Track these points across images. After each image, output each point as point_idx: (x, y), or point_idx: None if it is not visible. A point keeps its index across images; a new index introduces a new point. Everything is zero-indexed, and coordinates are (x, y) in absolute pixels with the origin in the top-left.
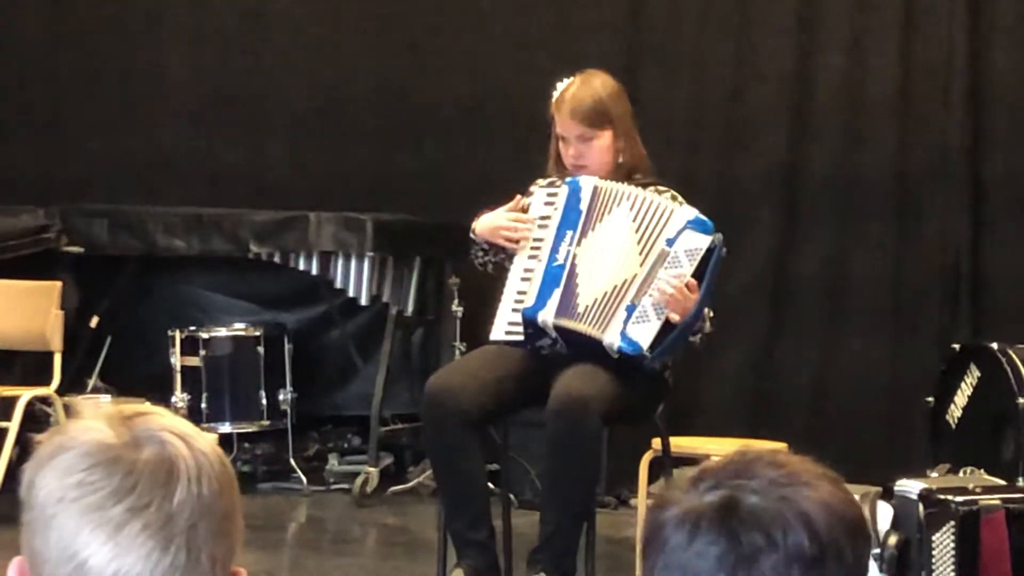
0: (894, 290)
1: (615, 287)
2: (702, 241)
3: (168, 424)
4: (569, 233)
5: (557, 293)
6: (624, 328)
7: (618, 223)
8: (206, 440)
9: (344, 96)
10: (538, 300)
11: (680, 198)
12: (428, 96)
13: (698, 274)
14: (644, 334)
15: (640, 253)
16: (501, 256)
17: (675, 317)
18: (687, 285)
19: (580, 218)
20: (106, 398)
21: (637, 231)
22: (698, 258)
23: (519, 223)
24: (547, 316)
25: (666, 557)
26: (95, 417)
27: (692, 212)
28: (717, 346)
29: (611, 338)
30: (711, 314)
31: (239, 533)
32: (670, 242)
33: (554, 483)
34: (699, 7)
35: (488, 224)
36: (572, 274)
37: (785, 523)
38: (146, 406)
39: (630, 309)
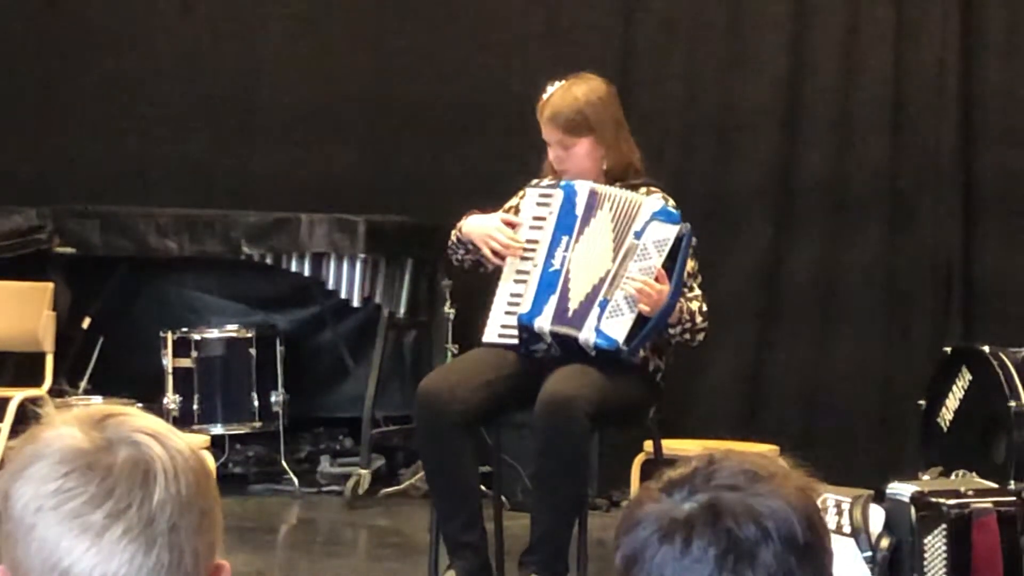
0: (886, 293)
1: (593, 286)
2: (669, 231)
3: (140, 425)
4: (565, 238)
5: (553, 299)
6: (598, 324)
7: (601, 224)
8: (180, 437)
9: (336, 97)
10: (534, 306)
11: (671, 200)
12: (421, 97)
13: (669, 264)
14: (618, 328)
15: (614, 250)
16: (481, 255)
17: (645, 309)
18: (656, 277)
19: (576, 223)
20: (97, 399)
21: (614, 229)
22: (667, 248)
23: (513, 242)
24: (544, 323)
25: (656, 573)
26: (66, 422)
27: (659, 203)
28: (710, 348)
29: (587, 335)
30: (704, 308)
31: (219, 526)
32: (638, 235)
33: (543, 484)
34: (692, 10)
35: (479, 229)
36: (566, 279)
37: (774, 514)
38: (116, 407)
39: (603, 304)
